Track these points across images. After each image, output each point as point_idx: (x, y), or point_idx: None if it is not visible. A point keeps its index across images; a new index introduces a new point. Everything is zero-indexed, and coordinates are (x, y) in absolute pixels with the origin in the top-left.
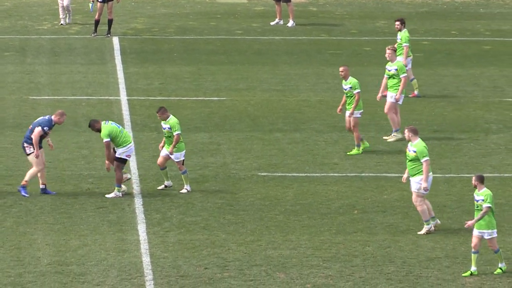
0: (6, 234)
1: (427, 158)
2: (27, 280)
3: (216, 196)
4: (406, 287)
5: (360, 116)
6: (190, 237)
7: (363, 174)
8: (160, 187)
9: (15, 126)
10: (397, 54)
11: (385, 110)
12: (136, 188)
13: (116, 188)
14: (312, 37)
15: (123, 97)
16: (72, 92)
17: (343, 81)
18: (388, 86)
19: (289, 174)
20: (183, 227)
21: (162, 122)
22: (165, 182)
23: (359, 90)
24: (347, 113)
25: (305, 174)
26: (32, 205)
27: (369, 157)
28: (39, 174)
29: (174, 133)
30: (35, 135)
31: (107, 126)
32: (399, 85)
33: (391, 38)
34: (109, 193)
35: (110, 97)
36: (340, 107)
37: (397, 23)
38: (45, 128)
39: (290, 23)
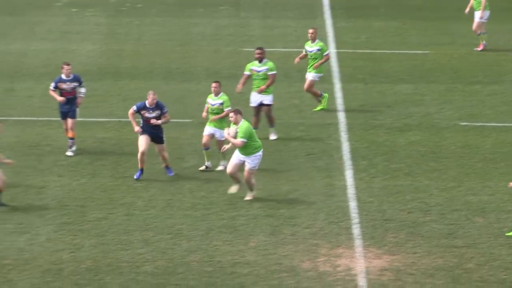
0: (220, 179)
1: None
2: (239, 223)
3: (419, 144)
4: None
5: None
6: (394, 182)
7: None
8: (201, 168)
9: (229, 76)
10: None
11: None
12: (343, 136)
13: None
14: None
15: (332, 50)
16: (283, 45)
17: None
18: None
19: (488, 124)
20: (387, 173)
21: (210, 99)
22: (206, 162)
23: None
24: None
25: (503, 124)
26: None
27: None
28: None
29: (225, 109)
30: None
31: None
32: None
33: None
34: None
35: None
36: None
37: None
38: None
39: None
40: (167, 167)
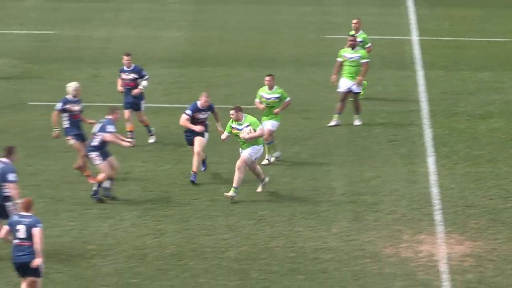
0: (303, 165)
1: None
2: (322, 209)
3: (500, 131)
4: None
5: None
6: (476, 169)
7: None
8: (264, 162)
9: (312, 63)
10: None
11: None
12: (425, 122)
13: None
14: None
15: (414, 37)
16: (366, 32)
17: None
18: None
19: None
20: (469, 160)
21: (264, 92)
22: (267, 155)
23: None
24: None
25: None
26: (328, 138)
27: None
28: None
29: (286, 100)
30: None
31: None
32: None
33: None
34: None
35: (402, 37)
36: None
37: None
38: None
39: None
40: (203, 162)
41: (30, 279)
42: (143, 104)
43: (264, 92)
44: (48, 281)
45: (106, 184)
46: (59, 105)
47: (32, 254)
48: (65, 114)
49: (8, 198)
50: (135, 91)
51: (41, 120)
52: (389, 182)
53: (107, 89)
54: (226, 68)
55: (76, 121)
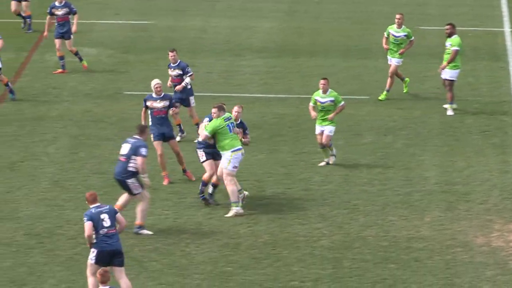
0: (397, 155)
1: None
2: (415, 199)
3: None
4: None
5: None
6: None
7: None
8: (321, 164)
9: (406, 55)
10: None
11: None
12: None
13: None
14: None
15: (507, 29)
16: (459, 23)
17: None
18: None
19: None
20: None
21: (319, 97)
22: (325, 158)
23: None
24: None
25: None
26: (421, 128)
27: None
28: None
29: (340, 104)
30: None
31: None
32: None
33: None
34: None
35: (494, 29)
36: None
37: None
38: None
39: None
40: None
41: (115, 268)
42: (193, 100)
43: (319, 96)
44: (142, 269)
45: (210, 189)
46: (143, 102)
47: (120, 241)
48: (148, 111)
49: (133, 174)
50: (178, 87)
51: (136, 109)
52: (481, 172)
53: (202, 78)
54: (320, 58)
55: (157, 117)
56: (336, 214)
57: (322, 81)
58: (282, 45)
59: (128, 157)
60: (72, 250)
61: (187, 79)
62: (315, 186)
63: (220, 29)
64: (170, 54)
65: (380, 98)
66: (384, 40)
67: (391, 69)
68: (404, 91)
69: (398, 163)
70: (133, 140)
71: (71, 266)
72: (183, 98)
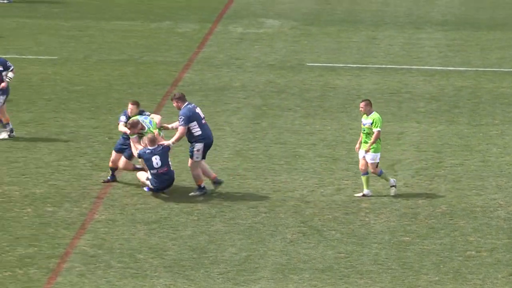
0: None
1: None
2: None
3: None
4: None
5: None
6: None
7: None
8: (357, 195)
9: None
10: None
11: None
12: None
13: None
14: None
15: None
16: None
17: None
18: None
19: None
20: None
21: (363, 117)
22: (364, 190)
23: None
24: None
25: None
26: None
27: None
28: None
29: (375, 130)
30: None
31: None
32: None
33: None
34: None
35: None
36: None
37: None
38: None
39: None
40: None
41: None
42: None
43: (363, 117)
44: (322, 238)
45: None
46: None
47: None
48: None
49: None
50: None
51: (318, 81)
52: None
53: (384, 50)
54: (499, 32)
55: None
56: None
57: (361, 104)
58: (462, 18)
59: None
60: (253, 219)
61: (10, 74)
62: (493, 158)
63: (402, 2)
64: None
65: None
66: None
67: None
68: None
69: None
70: None
71: (252, 235)
72: None
